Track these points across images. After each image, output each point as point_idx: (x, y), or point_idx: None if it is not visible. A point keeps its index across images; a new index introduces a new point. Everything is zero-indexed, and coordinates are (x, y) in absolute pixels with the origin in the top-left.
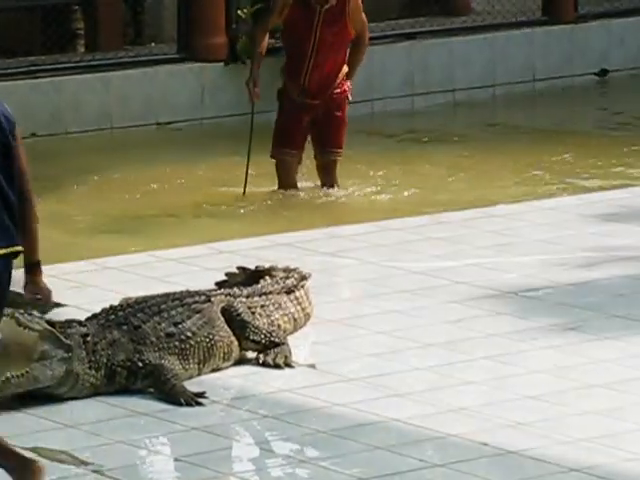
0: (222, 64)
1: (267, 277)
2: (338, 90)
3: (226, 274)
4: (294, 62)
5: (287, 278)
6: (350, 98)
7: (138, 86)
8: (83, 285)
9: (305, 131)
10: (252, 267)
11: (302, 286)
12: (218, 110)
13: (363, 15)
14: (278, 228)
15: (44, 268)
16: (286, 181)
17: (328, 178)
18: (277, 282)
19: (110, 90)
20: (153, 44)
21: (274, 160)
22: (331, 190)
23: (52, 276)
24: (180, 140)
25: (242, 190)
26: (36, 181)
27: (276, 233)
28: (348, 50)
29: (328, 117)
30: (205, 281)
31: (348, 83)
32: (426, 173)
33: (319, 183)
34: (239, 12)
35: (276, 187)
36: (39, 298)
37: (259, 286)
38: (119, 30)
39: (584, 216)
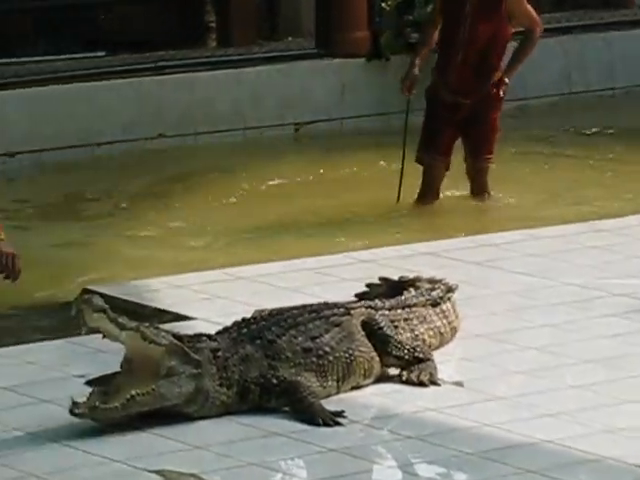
0: (364, 60)
1: (411, 288)
2: (490, 92)
3: (367, 285)
4: (443, 57)
5: (432, 290)
6: (503, 98)
7: (273, 83)
8: (213, 296)
9: (454, 134)
10: (395, 278)
11: (448, 298)
12: (359, 109)
13: (529, 7)
14: (422, 236)
15: (173, 278)
16: (430, 188)
17: (478, 185)
18: (422, 294)
19: (243, 87)
20: (290, 39)
21: (420, 165)
22: (480, 197)
23: (180, 287)
24: (318, 141)
25: (396, 196)
26: (163, 184)
27: (420, 241)
28: (506, 47)
29: (479, 119)
30: (344, 292)
31: (505, 82)
32: (583, 178)
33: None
34: (382, 4)
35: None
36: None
37: (402, 298)
38: (253, 24)
39: None
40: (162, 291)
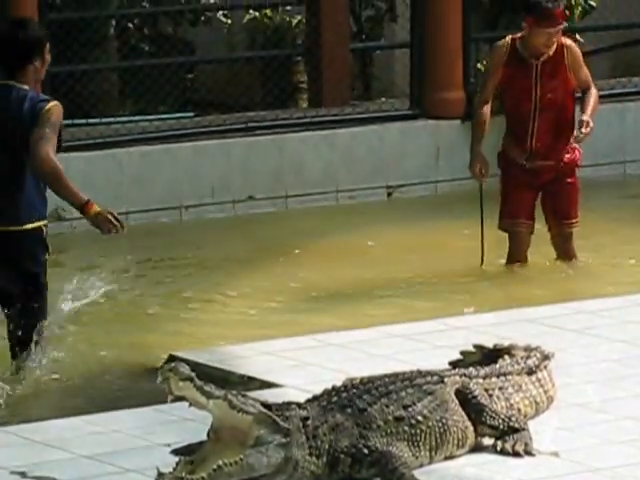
0: (459, 121)
1: (506, 356)
2: (569, 155)
3: (461, 352)
4: (517, 124)
5: (528, 358)
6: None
7: (366, 145)
8: (303, 363)
9: (534, 198)
10: (490, 345)
11: (545, 366)
12: (454, 172)
13: (585, 69)
14: (512, 303)
15: (260, 344)
16: (518, 254)
17: (565, 251)
18: (517, 362)
19: (335, 149)
20: (383, 99)
21: (504, 232)
22: (569, 264)
23: (268, 353)
24: (412, 205)
25: (479, 261)
26: (252, 247)
27: (512, 308)
28: (574, 103)
29: (559, 185)
30: (437, 360)
31: (578, 148)
32: None
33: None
34: (478, 64)
35: (505, 260)
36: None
37: (497, 366)
38: (346, 84)
39: None
40: (250, 357)
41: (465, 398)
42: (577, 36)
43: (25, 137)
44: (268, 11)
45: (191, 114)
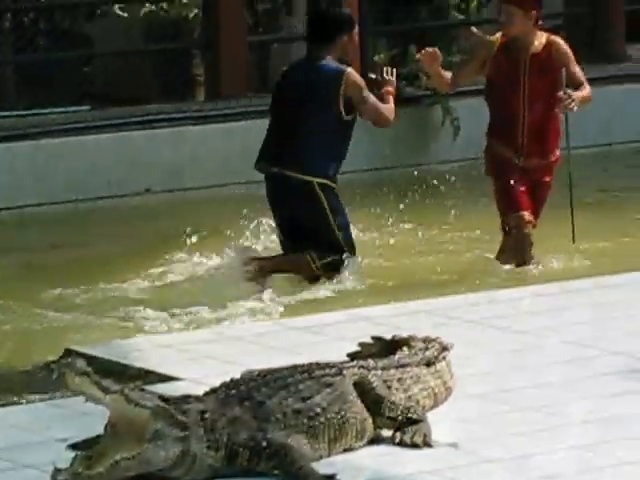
0: None
1: (404, 348)
2: (553, 159)
3: (359, 344)
4: (505, 122)
5: (426, 349)
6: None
7: (263, 136)
8: (201, 356)
9: (530, 195)
10: (388, 337)
11: (443, 358)
12: (353, 164)
13: (576, 66)
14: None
15: (158, 337)
16: (522, 251)
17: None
18: (415, 353)
19: (233, 142)
20: None
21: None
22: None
23: (166, 346)
24: None
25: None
26: (149, 240)
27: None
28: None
29: (539, 183)
30: (336, 352)
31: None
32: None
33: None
34: (375, 58)
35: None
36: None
37: (396, 358)
38: (243, 77)
39: None
40: (147, 351)
41: (364, 390)
42: (473, 29)
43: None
44: (165, 4)
45: (88, 107)
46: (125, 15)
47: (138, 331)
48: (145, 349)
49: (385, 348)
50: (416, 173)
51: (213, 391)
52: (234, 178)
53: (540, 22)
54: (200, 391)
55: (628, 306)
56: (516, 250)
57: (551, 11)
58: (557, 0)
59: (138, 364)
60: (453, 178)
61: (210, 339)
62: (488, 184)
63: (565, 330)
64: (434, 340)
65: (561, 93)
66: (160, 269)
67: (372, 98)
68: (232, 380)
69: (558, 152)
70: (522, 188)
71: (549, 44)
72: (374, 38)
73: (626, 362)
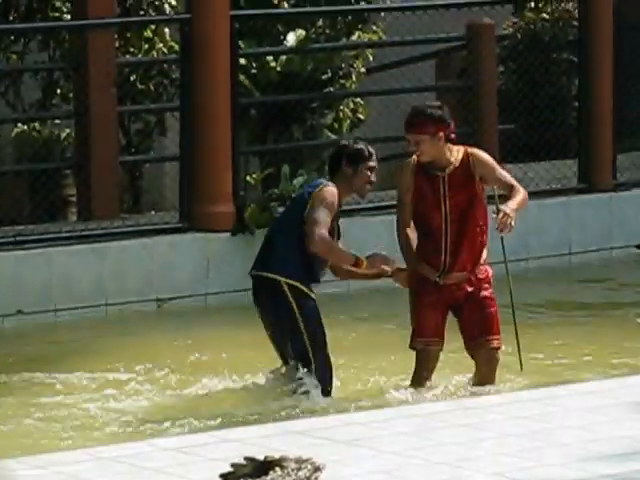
0: (229, 234)
1: (277, 468)
2: (482, 275)
3: (232, 465)
4: (429, 240)
5: (299, 469)
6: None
7: (136, 258)
8: (73, 477)
9: (446, 315)
10: (261, 457)
11: (316, 478)
12: (224, 284)
13: (500, 170)
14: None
15: (32, 458)
16: (426, 371)
17: (486, 373)
18: (288, 474)
19: (105, 263)
20: (153, 212)
21: (414, 350)
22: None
23: (39, 467)
24: (182, 317)
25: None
26: (20, 363)
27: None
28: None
29: (476, 301)
30: (208, 472)
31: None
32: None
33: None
34: (247, 178)
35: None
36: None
37: (269, 478)
38: (115, 197)
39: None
40: (19, 472)
41: None
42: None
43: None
44: (37, 124)
45: None
46: None
47: (10, 451)
48: (17, 469)
49: (258, 469)
50: None
51: None
52: (106, 299)
53: (453, 136)
54: None
55: (498, 426)
56: (422, 371)
57: None
58: None
59: None
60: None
61: (82, 460)
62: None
63: (437, 451)
64: (307, 460)
65: (494, 215)
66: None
67: (326, 215)
68: None
69: (488, 269)
70: (440, 312)
71: (466, 156)
72: (246, 157)
73: None
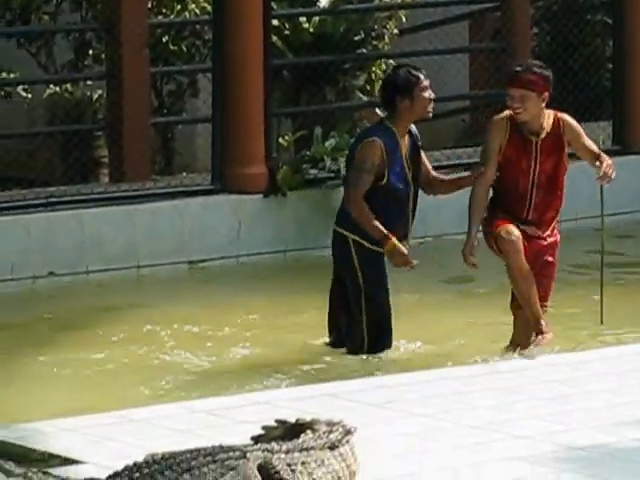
0: (261, 196)
1: (308, 431)
2: (552, 239)
3: (263, 427)
4: (510, 200)
5: (330, 432)
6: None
7: (168, 220)
8: (104, 439)
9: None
10: (292, 420)
11: (347, 441)
12: (256, 246)
13: (587, 139)
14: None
15: (62, 421)
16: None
17: (526, 341)
18: (319, 436)
19: (137, 224)
20: (184, 174)
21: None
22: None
23: (70, 430)
24: (214, 280)
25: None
26: (54, 324)
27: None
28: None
29: (541, 263)
30: (240, 435)
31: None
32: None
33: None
34: (280, 139)
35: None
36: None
37: (300, 441)
38: (147, 159)
39: None
40: (51, 434)
41: (268, 473)
42: (377, 110)
43: None
44: (69, 86)
45: None
46: (29, 96)
47: (43, 414)
48: (48, 432)
49: (289, 431)
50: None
51: (116, 475)
52: (137, 261)
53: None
54: (103, 475)
55: (529, 389)
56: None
57: (456, 92)
58: (463, 82)
59: (41, 447)
60: None
61: (113, 422)
62: None
63: (467, 413)
64: (338, 423)
65: (597, 164)
66: (61, 353)
67: (360, 178)
68: (135, 464)
69: (557, 235)
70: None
71: (557, 121)
72: (279, 119)
73: (529, 445)
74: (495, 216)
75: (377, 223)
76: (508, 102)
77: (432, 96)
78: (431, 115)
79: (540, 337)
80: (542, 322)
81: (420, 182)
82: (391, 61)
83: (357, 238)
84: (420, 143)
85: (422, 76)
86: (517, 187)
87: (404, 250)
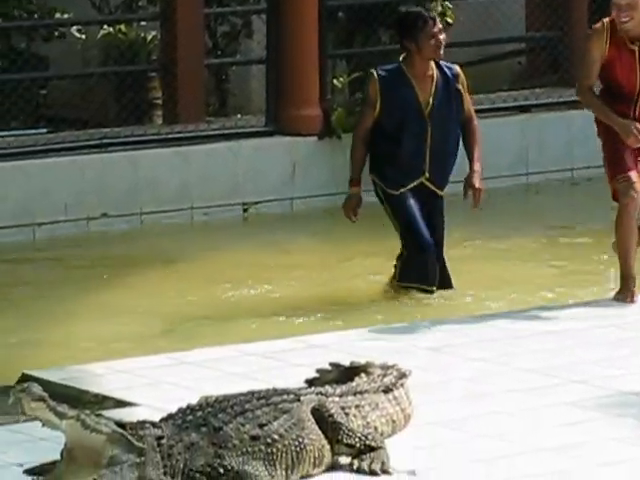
0: (315, 138)
1: (363, 374)
2: None
3: (317, 370)
4: (618, 104)
5: (385, 376)
6: None
7: (222, 162)
8: (158, 382)
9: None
10: (346, 363)
11: (401, 384)
12: (310, 189)
13: None
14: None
15: (115, 363)
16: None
17: None
18: (374, 380)
19: (190, 166)
20: (239, 116)
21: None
22: None
23: (123, 372)
24: (268, 223)
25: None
26: (107, 266)
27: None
28: None
29: None
30: (294, 378)
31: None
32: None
33: None
34: (334, 81)
35: None
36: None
37: (354, 384)
38: (201, 100)
39: None
40: (104, 376)
41: (322, 417)
42: None
43: None
44: (122, 26)
45: (44, 130)
46: (83, 37)
47: (96, 356)
48: (101, 374)
49: (343, 375)
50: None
51: (170, 417)
52: (191, 203)
53: None
54: (157, 417)
55: (582, 334)
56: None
57: (514, 34)
58: (519, 24)
59: (95, 389)
60: None
61: (167, 364)
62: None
63: (522, 358)
64: (392, 367)
65: None
66: (117, 296)
67: (362, 112)
68: (189, 406)
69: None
70: (631, 155)
71: None
72: (333, 61)
73: (584, 390)
74: (616, 148)
75: (358, 166)
76: (614, 12)
77: (443, 41)
78: (441, 58)
79: (623, 295)
80: (631, 281)
81: (457, 122)
82: (447, 2)
83: (376, 180)
84: (461, 85)
85: (431, 21)
86: (623, 88)
87: (355, 202)
